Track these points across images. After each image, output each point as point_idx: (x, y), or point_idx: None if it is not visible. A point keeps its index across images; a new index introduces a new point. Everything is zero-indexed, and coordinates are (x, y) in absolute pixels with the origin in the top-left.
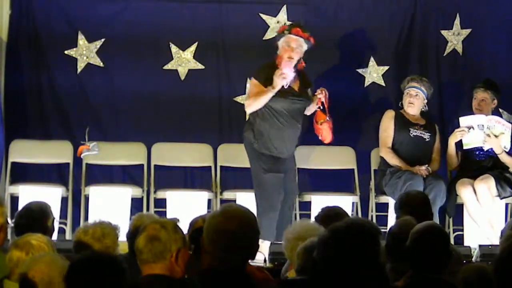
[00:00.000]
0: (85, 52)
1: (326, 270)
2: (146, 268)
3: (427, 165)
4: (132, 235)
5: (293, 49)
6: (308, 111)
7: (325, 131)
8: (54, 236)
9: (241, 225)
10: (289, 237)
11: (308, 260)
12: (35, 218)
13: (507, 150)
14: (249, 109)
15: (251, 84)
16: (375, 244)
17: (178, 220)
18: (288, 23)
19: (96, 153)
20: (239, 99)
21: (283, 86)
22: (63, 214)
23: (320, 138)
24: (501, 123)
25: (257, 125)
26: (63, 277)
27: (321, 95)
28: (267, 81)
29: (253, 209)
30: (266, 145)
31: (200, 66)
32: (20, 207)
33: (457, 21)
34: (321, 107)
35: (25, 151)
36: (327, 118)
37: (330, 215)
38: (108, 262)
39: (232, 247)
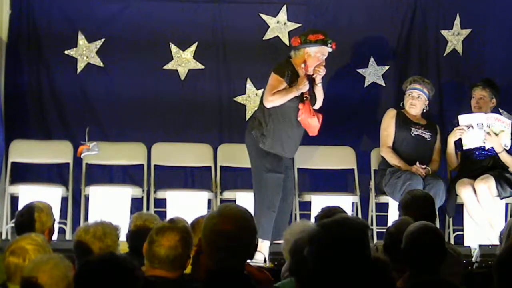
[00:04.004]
0: (85, 52)
1: (318, 267)
2: (157, 271)
3: (425, 166)
4: (133, 234)
5: (323, 62)
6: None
7: (307, 116)
8: (54, 236)
9: (238, 225)
10: (287, 238)
11: (294, 259)
12: (33, 218)
13: (507, 149)
14: (271, 104)
15: (273, 79)
16: (364, 238)
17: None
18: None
19: (96, 153)
20: (239, 99)
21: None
22: (63, 214)
23: (306, 126)
24: (501, 121)
25: (269, 125)
26: (73, 277)
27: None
28: (287, 79)
29: (251, 208)
30: (275, 145)
31: (200, 66)
32: (20, 207)
33: (457, 21)
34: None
35: (25, 151)
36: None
37: (330, 215)
38: (119, 264)
39: (229, 247)
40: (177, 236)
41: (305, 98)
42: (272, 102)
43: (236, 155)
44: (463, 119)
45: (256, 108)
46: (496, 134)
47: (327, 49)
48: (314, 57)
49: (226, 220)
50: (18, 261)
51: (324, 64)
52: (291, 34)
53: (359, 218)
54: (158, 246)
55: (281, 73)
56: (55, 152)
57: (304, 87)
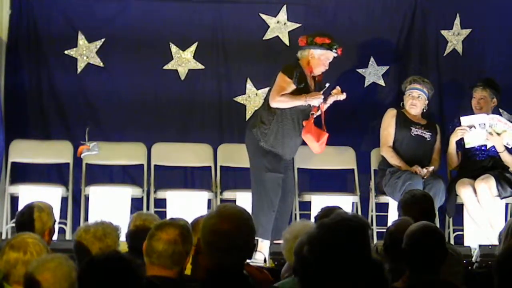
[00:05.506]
0: (85, 52)
1: (317, 267)
2: (156, 270)
3: (428, 167)
4: (133, 234)
5: (327, 67)
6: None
7: (307, 133)
8: (54, 237)
9: (236, 224)
10: (287, 238)
11: (297, 259)
12: (34, 218)
13: (509, 147)
14: (277, 104)
15: (282, 80)
16: (364, 238)
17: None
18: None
19: (96, 153)
20: (239, 99)
21: (306, 88)
22: (63, 214)
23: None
24: (503, 122)
25: (273, 124)
26: (77, 276)
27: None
28: (295, 80)
29: (249, 207)
30: (276, 144)
31: (200, 66)
32: (20, 207)
33: (457, 21)
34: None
35: (25, 151)
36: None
37: (330, 215)
38: (122, 262)
39: (228, 247)
40: (176, 230)
41: (311, 114)
42: (278, 103)
43: (236, 155)
44: (465, 120)
45: (256, 108)
46: (498, 134)
47: (332, 54)
48: (318, 59)
49: (224, 220)
50: (18, 255)
51: (327, 68)
52: (291, 34)
53: (359, 216)
54: (157, 240)
55: (289, 74)
56: (55, 152)
57: (314, 101)
